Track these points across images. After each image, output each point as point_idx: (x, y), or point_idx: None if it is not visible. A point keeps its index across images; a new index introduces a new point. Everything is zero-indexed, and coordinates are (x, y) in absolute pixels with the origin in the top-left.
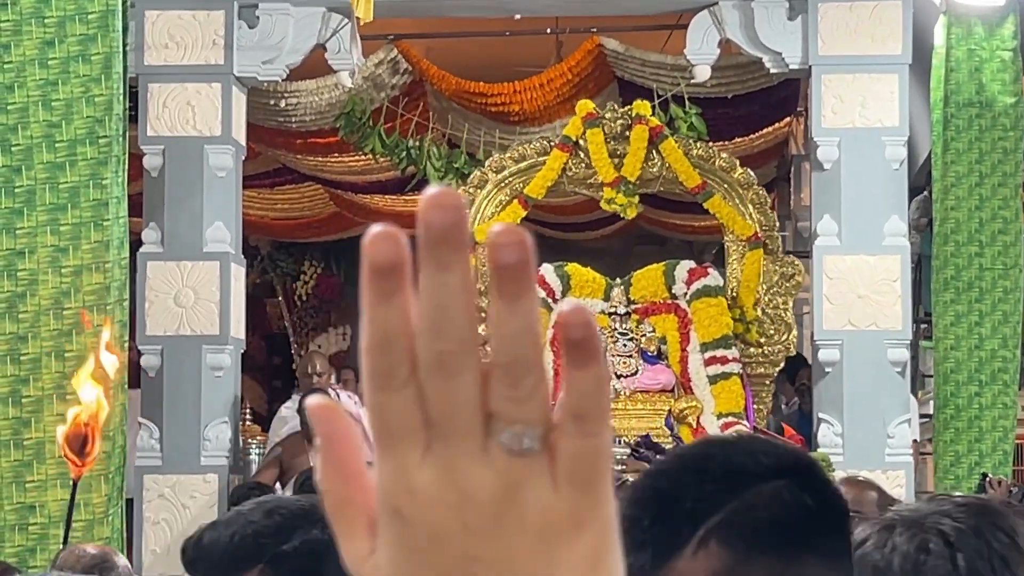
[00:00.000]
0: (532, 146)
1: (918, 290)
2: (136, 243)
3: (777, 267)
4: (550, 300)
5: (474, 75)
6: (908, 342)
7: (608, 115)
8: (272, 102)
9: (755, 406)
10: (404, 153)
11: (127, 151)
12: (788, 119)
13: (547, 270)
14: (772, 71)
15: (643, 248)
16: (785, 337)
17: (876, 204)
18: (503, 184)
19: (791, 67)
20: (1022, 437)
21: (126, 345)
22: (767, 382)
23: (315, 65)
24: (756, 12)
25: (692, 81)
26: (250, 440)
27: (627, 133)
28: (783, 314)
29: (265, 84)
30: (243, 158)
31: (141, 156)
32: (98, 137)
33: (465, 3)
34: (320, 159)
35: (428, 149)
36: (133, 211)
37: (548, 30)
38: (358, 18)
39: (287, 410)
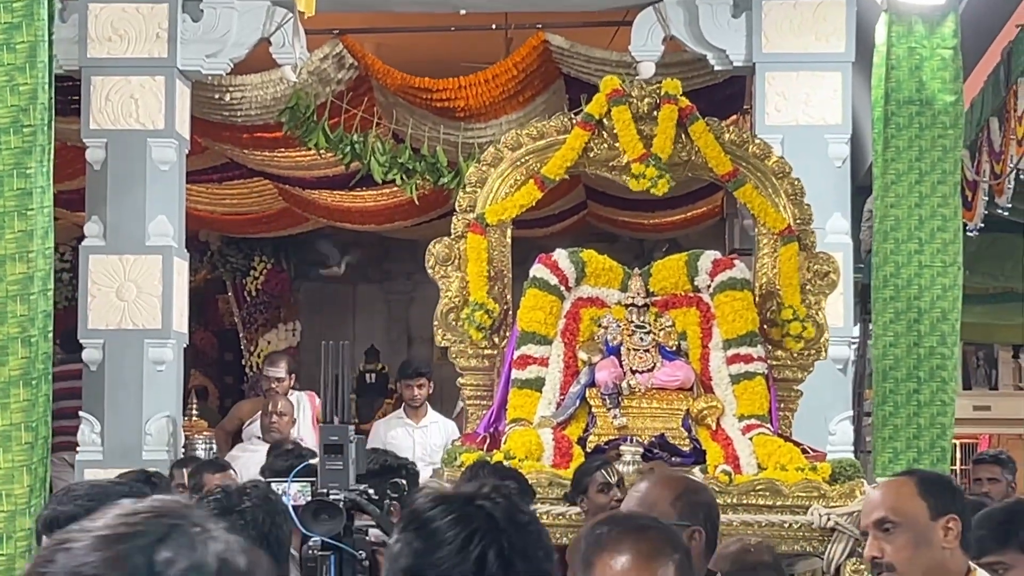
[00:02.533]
0: (552, 123)
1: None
2: (80, 236)
3: (811, 263)
4: (562, 287)
5: (424, 71)
6: (849, 339)
7: (635, 93)
8: (216, 96)
9: (780, 412)
10: (348, 148)
11: (52, 141)
12: (735, 117)
13: (560, 255)
14: (716, 68)
15: (592, 246)
16: (818, 339)
17: (819, 202)
18: (519, 163)
19: (735, 64)
20: (960, 436)
21: (50, 336)
22: (795, 387)
23: (260, 59)
24: (700, 9)
25: (637, 78)
26: (196, 435)
27: (655, 113)
28: (815, 315)
29: (209, 78)
30: (187, 152)
31: (84, 149)
32: (22, 126)
33: None
34: (267, 154)
35: (373, 144)
36: (76, 205)
37: (494, 26)
38: (302, 12)
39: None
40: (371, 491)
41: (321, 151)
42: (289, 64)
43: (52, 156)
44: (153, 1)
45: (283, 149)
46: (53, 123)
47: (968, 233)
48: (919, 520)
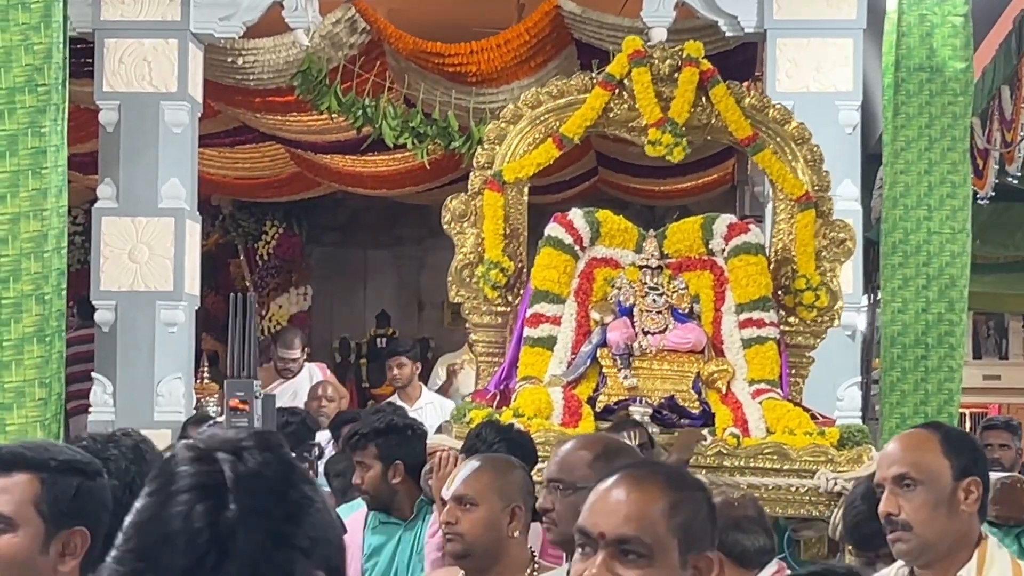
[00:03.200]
0: (572, 82)
1: None
2: (93, 199)
3: (827, 230)
4: (577, 247)
5: (436, 36)
6: (859, 306)
7: (657, 54)
8: (229, 59)
9: (792, 378)
10: (360, 112)
11: (67, 100)
12: (746, 83)
13: (576, 215)
14: (728, 35)
15: None
16: (831, 307)
17: (829, 168)
18: (538, 121)
19: (746, 31)
20: (970, 406)
21: (63, 293)
22: (807, 354)
23: (273, 23)
24: None
25: (649, 44)
26: (207, 397)
27: (675, 75)
28: (830, 282)
29: (222, 41)
30: (199, 115)
31: (97, 112)
32: (37, 85)
33: None
34: (279, 118)
35: (384, 109)
36: (89, 168)
37: None
38: None
39: None
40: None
41: (333, 115)
42: (301, 28)
43: (66, 116)
44: None
45: (295, 113)
46: (67, 83)
47: (978, 201)
48: (941, 479)
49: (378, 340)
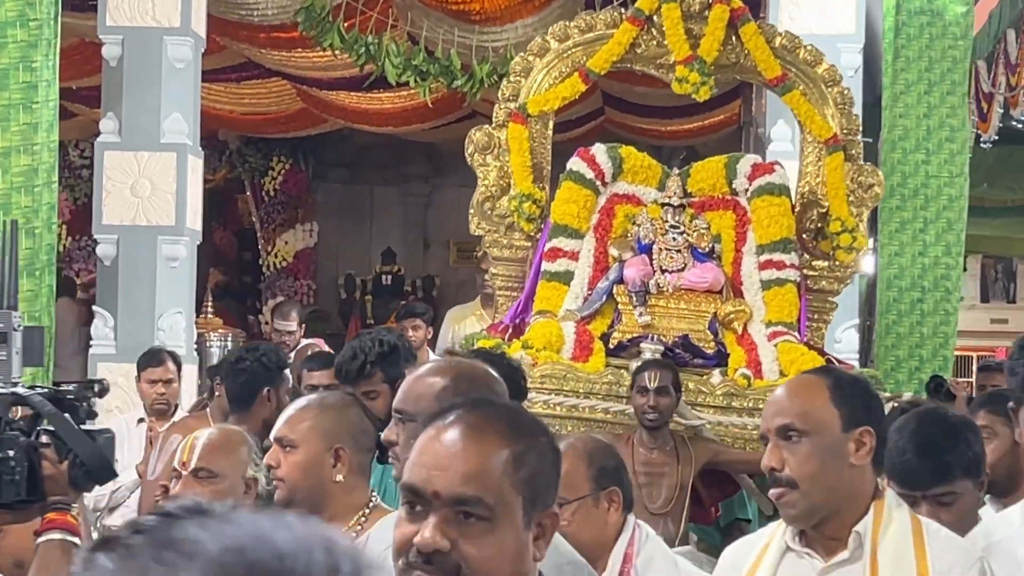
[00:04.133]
0: (601, 16)
1: None
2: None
3: (855, 175)
4: (598, 182)
5: None
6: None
7: None
8: None
9: (811, 323)
10: (363, 49)
11: (59, 35)
12: None
13: (599, 150)
14: None
15: None
16: (862, 249)
17: None
18: (565, 54)
19: None
20: (977, 349)
21: (54, 227)
22: (830, 299)
23: None
24: None
25: None
26: (211, 332)
27: (705, 13)
28: (858, 227)
29: None
30: (202, 50)
31: (101, 46)
32: (28, 20)
33: None
34: (284, 54)
35: (387, 46)
36: (96, 102)
37: None
38: None
39: None
40: (70, 388)
41: (336, 52)
42: None
43: (58, 50)
44: None
45: (300, 49)
46: (60, 17)
47: (982, 145)
48: (829, 431)
49: (383, 277)
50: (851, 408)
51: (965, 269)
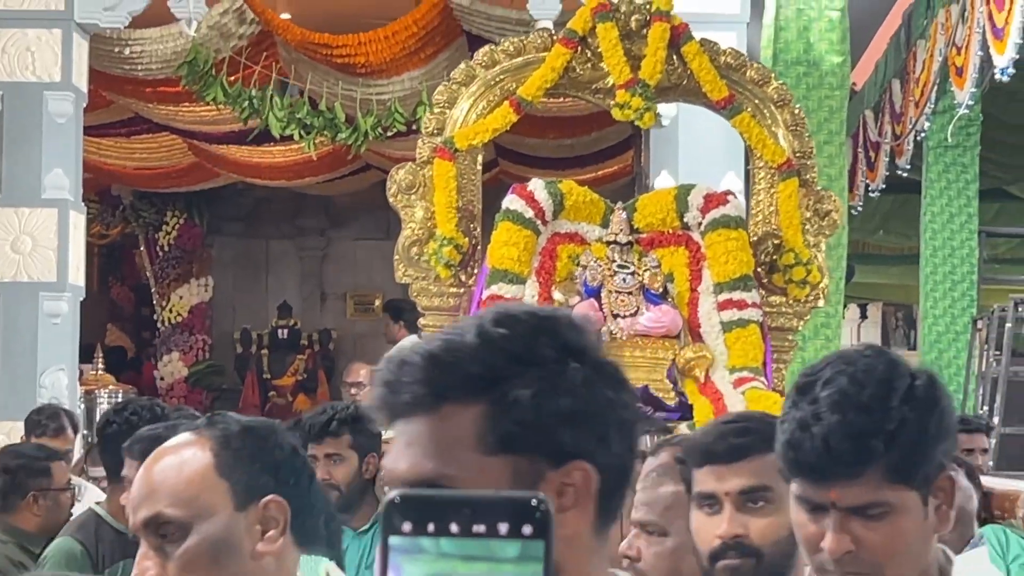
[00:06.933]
0: (530, 40)
1: None
2: None
3: (810, 201)
4: (538, 221)
5: (332, 27)
6: None
7: (624, 8)
8: (116, 49)
9: (774, 364)
10: (247, 103)
11: None
12: None
13: (537, 186)
14: None
15: None
16: (817, 284)
17: (712, 162)
18: (493, 82)
19: None
20: None
21: None
22: (790, 336)
23: (159, 13)
24: None
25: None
26: (101, 389)
27: (644, 32)
28: (816, 257)
29: (108, 31)
30: (84, 105)
31: None
32: None
33: None
34: (171, 108)
35: (271, 99)
36: None
37: None
38: None
39: None
40: None
41: (220, 105)
42: (187, 18)
43: None
44: None
45: (187, 103)
46: None
47: (871, 194)
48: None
49: (280, 331)
50: None
51: (865, 317)
